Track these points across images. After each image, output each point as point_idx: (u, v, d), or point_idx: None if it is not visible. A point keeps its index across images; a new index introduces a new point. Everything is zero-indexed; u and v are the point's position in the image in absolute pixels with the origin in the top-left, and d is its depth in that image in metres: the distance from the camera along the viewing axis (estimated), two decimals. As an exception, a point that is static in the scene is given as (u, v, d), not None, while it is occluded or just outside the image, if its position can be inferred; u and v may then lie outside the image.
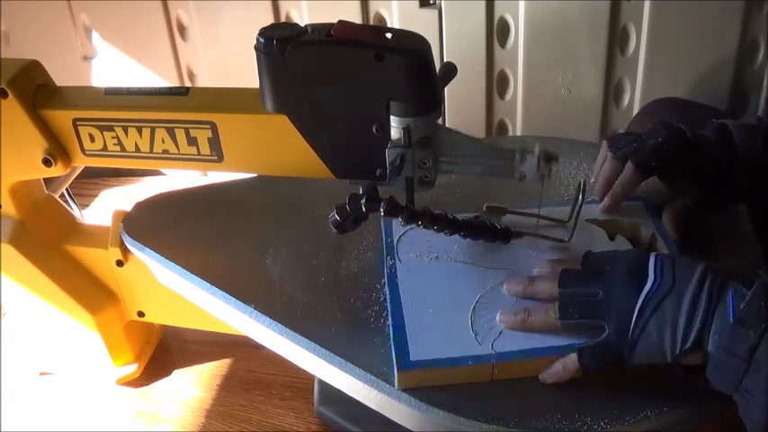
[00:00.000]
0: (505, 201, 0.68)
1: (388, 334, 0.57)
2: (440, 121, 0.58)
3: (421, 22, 1.06)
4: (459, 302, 0.58)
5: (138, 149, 0.65)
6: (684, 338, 0.49)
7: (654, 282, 0.51)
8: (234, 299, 0.62)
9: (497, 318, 0.56)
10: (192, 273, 0.66)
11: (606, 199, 0.67)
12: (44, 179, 0.76)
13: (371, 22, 1.10)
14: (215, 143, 0.62)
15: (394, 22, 1.09)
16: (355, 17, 1.09)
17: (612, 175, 0.67)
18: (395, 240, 0.66)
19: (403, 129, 0.56)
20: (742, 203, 0.70)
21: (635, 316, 0.51)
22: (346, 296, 0.62)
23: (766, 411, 0.46)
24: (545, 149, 0.57)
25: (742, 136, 0.67)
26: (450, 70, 0.60)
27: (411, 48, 0.54)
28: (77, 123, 0.65)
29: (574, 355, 0.53)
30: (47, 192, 0.78)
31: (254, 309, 0.61)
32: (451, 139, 0.58)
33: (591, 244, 0.63)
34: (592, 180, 0.71)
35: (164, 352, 0.87)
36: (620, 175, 0.67)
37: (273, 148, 0.61)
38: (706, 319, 0.49)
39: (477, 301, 0.58)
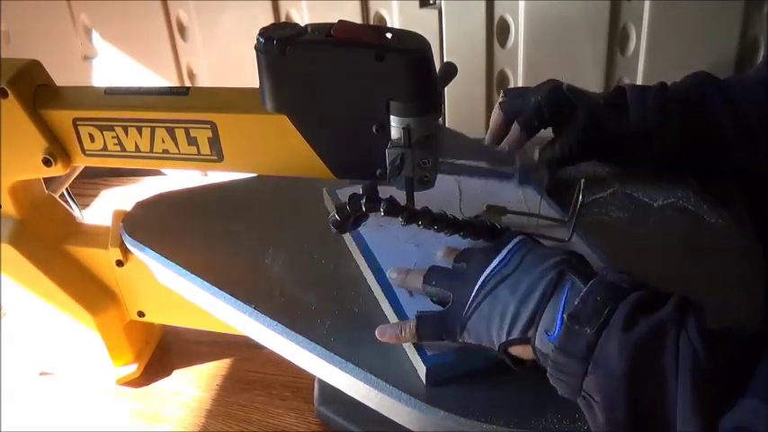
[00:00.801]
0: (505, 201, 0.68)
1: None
2: (440, 121, 0.58)
3: (421, 22, 1.06)
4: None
5: (138, 149, 0.65)
6: (510, 328, 0.47)
7: (500, 261, 0.50)
8: (234, 299, 0.62)
9: (387, 274, 0.60)
10: (192, 273, 0.66)
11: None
12: (44, 179, 0.76)
13: (371, 22, 1.10)
14: (215, 143, 0.62)
15: (394, 22, 1.09)
16: (355, 17, 1.09)
17: (499, 129, 0.74)
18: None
19: (403, 129, 0.56)
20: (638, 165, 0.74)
21: (473, 294, 0.50)
22: (346, 296, 0.62)
23: (607, 414, 0.43)
24: (544, 155, 0.57)
25: (635, 97, 0.70)
26: (450, 70, 0.60)
27: (411, 48, 0.54)
28: (77, 123, 0.65)
29: (414, 321, 0.53)
30: (47, 192, 0.78)
31: (254, 309, 0.61)
32: (454, 141, 0.59)
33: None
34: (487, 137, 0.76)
35: (164, 352, 0.87)
36: (503, 129, 0.73)
37: (273, 148, 0.61)
38: (536, 312, 0.46)
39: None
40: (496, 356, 0.51)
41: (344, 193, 0.71)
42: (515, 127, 0.71)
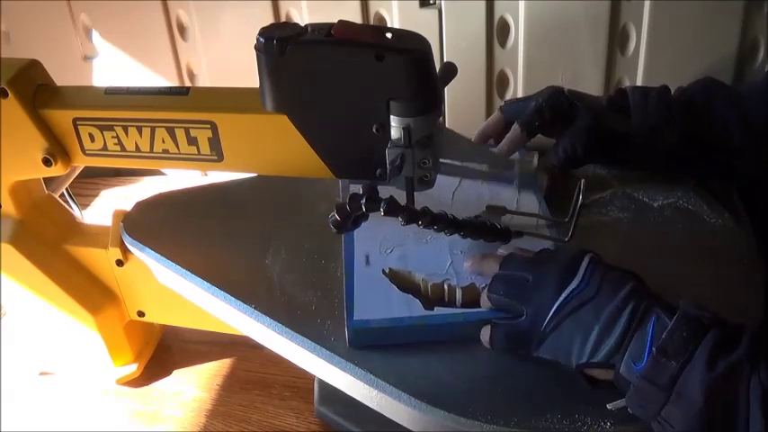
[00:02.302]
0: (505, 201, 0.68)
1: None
2: (440, 120, 0.58)
3: (421, 22, 1.06)
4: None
5: (138, 149, 0.65)
6: (594, 351, 0.49)
7: (579, 284, 0.52)
8: (234, 299, 0.62)
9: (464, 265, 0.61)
10: (192, 273, 0.66)
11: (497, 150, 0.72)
12: (44, 179, 0.76)
13: (371, 22, 1.10)
14: (215, 143, 0.62)
15: (394, 22, 1.09)
16: (355, 17, 1.08)
17: (492, 126, 0.74)
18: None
19: (403, 129, 0.56)
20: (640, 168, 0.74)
21: (552, 311, 0.51)
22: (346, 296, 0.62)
23: None
24: (543, 159, 0.57)
25: (637, 98, 0.71)
26: (450, 70, 0.60)
27: (411, 48, 0.54)
28: (77, 123, 0.65)
29: (488, 327, 0.55)
30: (47, 192, 0.78)
31: (254, 309, 0.61)
32: (454, 143, 0.59)
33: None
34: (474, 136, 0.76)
35: (164, 352, 0.87)
36: (499, 128, 0.74)
37: (273, 148, 0.61)
38: (623, 340, 0.49)
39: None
40: (423, 331, 0.56)
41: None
42: (515, 127, 0.71)
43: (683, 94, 0.72)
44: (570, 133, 0.70)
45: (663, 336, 0.47)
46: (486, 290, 0.57)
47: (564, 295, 0.52)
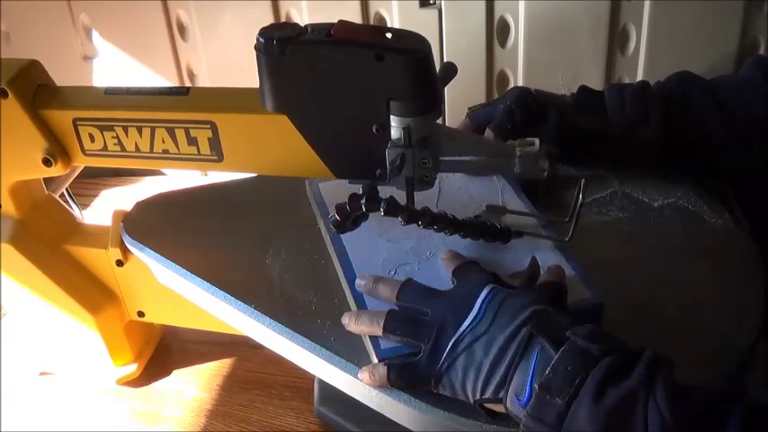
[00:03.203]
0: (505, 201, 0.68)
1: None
2: (440, 120, 0.58)
3: (421, 22, 1.06)
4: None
5: (138, 149, 0.65)
6: (484, 387, 0.48)
7: (474, 319, 0.50)
8: (234, 299, 0.62)
9: (357, 280, 0.60)
10: (192, 273, 0.66)
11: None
12: (44, 179, 0.76)
13: (371, 22, 1.10)
14: (215, 143, 0.62)
15: (394, 22, 1.09)
16: (355, 17, 1.08)
17: None
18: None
19: (403, 128, 0.56)
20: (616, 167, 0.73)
21: (447, 350, 0.50)
22: (346, 296, 0.62)
23: None
24: (545, 145, 0.57)
25: (613, 94, 0.70)
26: (450, 70, 0.60)
27: (411, 48, 0.54)
28: (77, 123, 0.65)
29: (384, 368, 0.53)
30: (47, 192, 0.78)
31: (254, 309, 0.61)
32: (451, 137, 0.58)
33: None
34: None
35: (164, 352, 0.87)
36: None
37: (273, 148, 0.61)
38: (507, 374, 0.47)
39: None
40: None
41: (326, 188, 0.73)
42: (488, 133, 0.71)
43: (660, 89, 0.71)
44: (540, 133, 0.67)
45: (546, 371, 0.45)
46: (381, 327, 0.54)
47: (458, 333, 0.50)
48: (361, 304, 0.59)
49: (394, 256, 0.64)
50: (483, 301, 0.51)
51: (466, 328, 0.50)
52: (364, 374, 0.54)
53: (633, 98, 0.70)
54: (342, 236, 0.64)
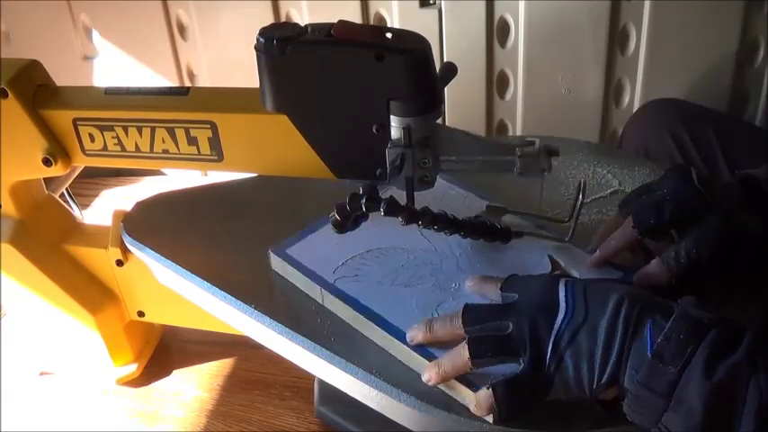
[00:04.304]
0: (506, 201, 0.68)
1: None
2: (440, 120, 0.58)
3: (421, 22, 1.06)
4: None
5: (138, 149, 0.65)
6: (601, 372, 0.47)
7: (566, 312, 0.49)
8: (234, 299, 0.62)
9: (407, 335, 0.54)
10: (192, 273, 0.66)
11: (597, 252, 0.60)
12: (44, 179, 0.76)
13: (371, 22, 1.10)
14: (215, 143, 0.62)
15: (394, 22, 1.09)
16: (355, 17, 1.09)
17: (612, 229, 0.61)
18: None
19: (403, 128, 0.56)
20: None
21: (549, 349, 0.48)
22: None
23: None
24: (545, 144, 0.57)
25: None
26: (450, 70, 0.60)
27: (411, 48, 0.54)
28: (77, 123, 0.65)
29: (487, 392, 0.49)
30: (47, 192, 0.78)
31: (254, 309, 0.61)
32: (451, 136, 0.58)
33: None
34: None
35: (164, 352, 0.87)
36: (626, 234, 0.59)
37: (273, 148, 0.61)
38: (622, 352, 0.47)
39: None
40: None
41: (296, 251, 0.65)
42: (628, 220, 0.58)
43: None
44: (696, 236, 0.56)
45: (659, 340, 0.45)
46: (468, 358, 0.50)
47: (556, 329, 0.49)
48: (427, 355, 0.54)
49: (423, 299, 0.59)
50: (566, 293, 0.50)
51: (562, 324, 0.49)
52: (472, 406, 0.51)
53: None
54: (356, 296, 0.59)
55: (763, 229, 0.56)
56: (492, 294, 0.56)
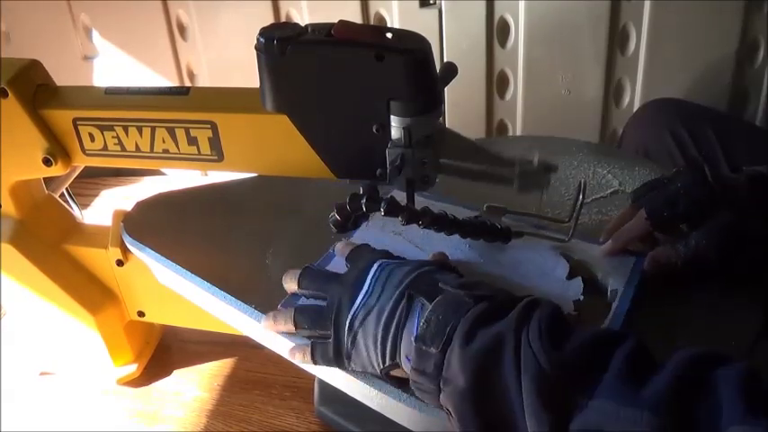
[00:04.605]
0: (506, 201, 0.68)
1: None
2: (440, 120, 0.58)
3: (421, 22, 1.07)
4: None
5: (138, 149, 0.65)
6: (383, 356, 0.49)
7: (365, 294, 0.51)
8: (234, 299, 0.62)
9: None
10: (192, 273, 0.66)
11: (610, 241, 0.61)
12: (44, 179, 0.76)
13: (371, 22, 1.10)
14: (215, 143, 0.62)
15: (394, 22, 1.09)
16: (355, 17, 1.09)
17: (624, 221, 0.62)
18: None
19: (403, 129, 0.56)
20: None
21: (346, 330, 0.51)
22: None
23: (462, 427, 0.45)
24: (544, 160, 0.57)
25: None
26: (450, 70, 0.60)
27: (411, 48, 0.54)
28: (77, 123, 0.65)
29: (308, 348, 0.54)
30: (47, 192, 0.78)
31: (254, 309, 0.61)
32: (455, 143, 0.58)
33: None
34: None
35: (164, 352, 0.87)
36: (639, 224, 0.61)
37: (273, 148, 0.61)
38: (396, 337, 0.48)
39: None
40: None
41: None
42: (641, 212, 0.60)
43: None
44: (706, 230, 0.58)
45: (421, 323, 0.46)
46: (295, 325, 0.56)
47: (352, 310, 0.51)
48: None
49: None
50: (372, 276, 0.52)
51: (359, 305, 0.51)
52: (297, 355, 0.55)
53: None
54: None
55: (764, 229, 0.57)
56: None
